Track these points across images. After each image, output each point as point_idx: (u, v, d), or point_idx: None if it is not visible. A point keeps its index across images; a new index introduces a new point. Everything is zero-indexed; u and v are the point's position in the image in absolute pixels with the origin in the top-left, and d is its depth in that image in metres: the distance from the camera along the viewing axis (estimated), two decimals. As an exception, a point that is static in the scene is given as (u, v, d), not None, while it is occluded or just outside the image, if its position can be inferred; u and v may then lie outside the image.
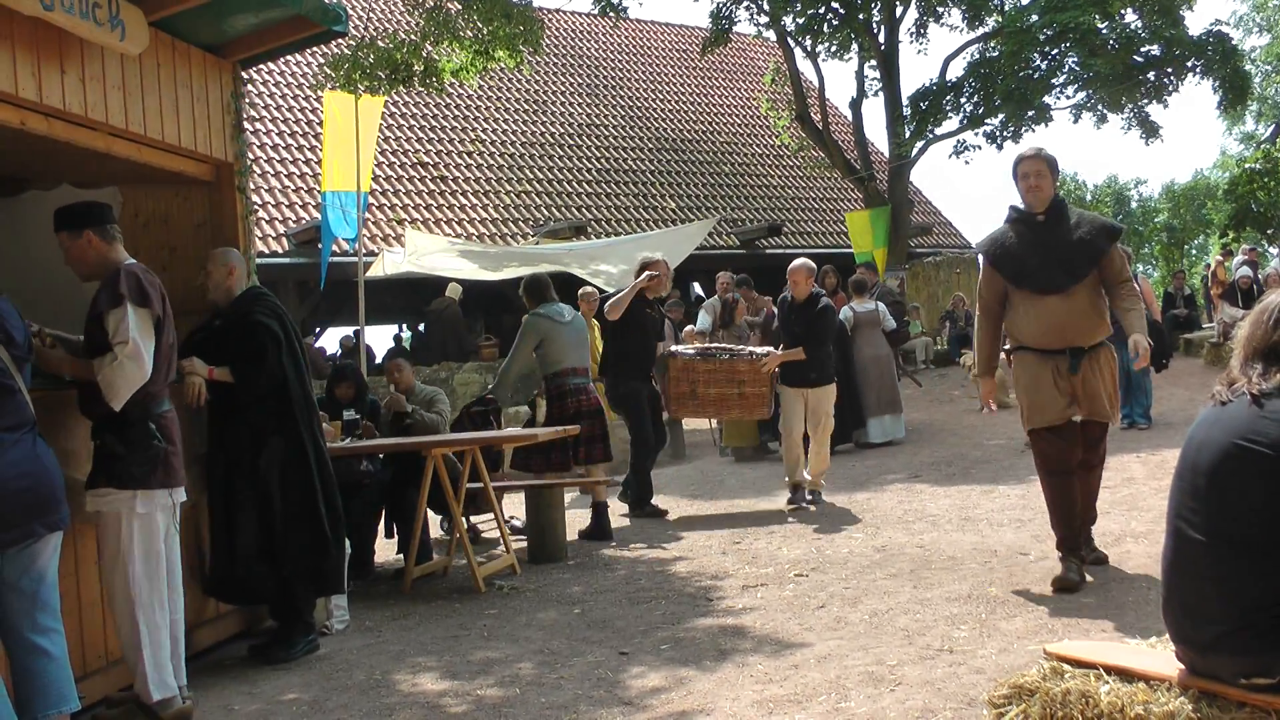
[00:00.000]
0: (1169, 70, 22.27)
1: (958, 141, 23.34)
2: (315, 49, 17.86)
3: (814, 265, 10.25)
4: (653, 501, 10.01)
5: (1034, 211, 6.30)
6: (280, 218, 19.77)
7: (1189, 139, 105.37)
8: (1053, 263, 6.17)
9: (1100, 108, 23.04)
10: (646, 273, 9.72)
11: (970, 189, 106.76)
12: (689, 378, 9.89)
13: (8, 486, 4.01)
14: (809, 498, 9.64)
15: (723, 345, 10.84)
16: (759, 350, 10.37)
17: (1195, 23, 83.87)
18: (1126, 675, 3.44)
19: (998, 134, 22.76)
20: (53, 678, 4.21)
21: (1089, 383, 6.22)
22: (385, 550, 9.18)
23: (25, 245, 6.45)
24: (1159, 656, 3.55)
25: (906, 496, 9.61)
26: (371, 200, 20.85)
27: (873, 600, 6.24)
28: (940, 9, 23.45)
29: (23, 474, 4.08)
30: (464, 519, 8.25)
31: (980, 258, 6.54)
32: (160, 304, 4.97)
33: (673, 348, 10.11)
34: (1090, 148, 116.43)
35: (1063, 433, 6.23)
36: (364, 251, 15.29)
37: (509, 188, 23.63)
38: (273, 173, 20.85)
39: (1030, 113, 22.08)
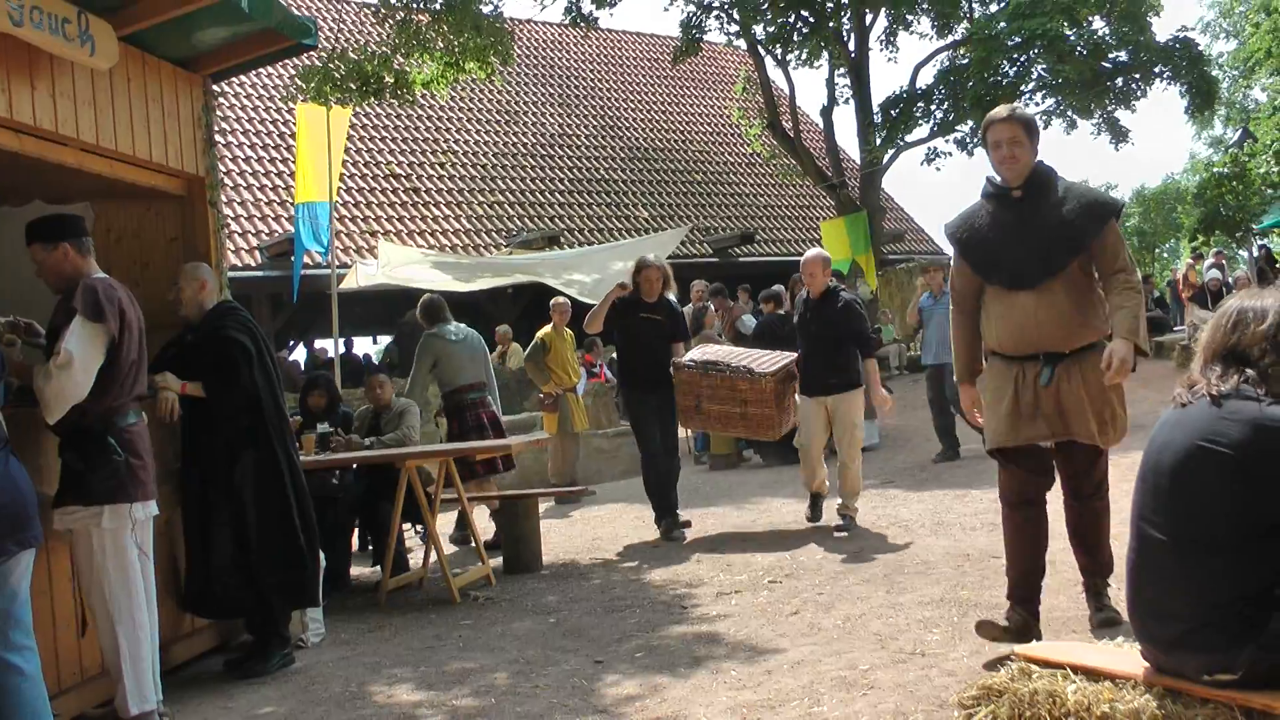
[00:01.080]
0: (1136, 76, 22.48)
1: (929, 148, 23.49)
2: (286, 61, 17.82)
3: (829, 255, 9.47)
4: (677, 517, 9.20)
5: (1009, 186, 5.16)
6: (253, 230, 19.73)
7: (1159, 143, 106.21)
8: (1027, 251, 5.05)
9: (1070, 113, 23.23)
10: (616, 285, 9.42)
11: (942, 195, 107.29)
12: (693, 391, 9.08)
13: (-19, 504, 4.00)
14: (841, 523, 8.58)
15: (721, 361, 9.18)
16: (762, 366, 9.00)
17: (1162, 29, 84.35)
18: (1093, 674, 3.50)
19: (968, 140, 22.93)
20: (27, 695, 4.20)
21: (1066, 396, 5.05)
22: (360, 562, 9.19)
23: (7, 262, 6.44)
24: (1125, 656, 3.61)
25: (880, 502, 9.67)
26: (344, 212, 20.85)
27: (846, 606, 6.29)
28: (910, 17, 23.59)
29: (-4, 491, 4.07)
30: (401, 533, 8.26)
31: (950, 242, 5.43)
32: (119, 320, 4.94)
33: (680, 357, 9.18)
34: (1060, 153, 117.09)
35: (1025, 457, 5.18)
36: (337, 264, 15.28)
37: (482, 199, 23.65)
38: (245, 185, 20.81)
39: (1000, 119, 22.23)
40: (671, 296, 9.40)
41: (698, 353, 9.45)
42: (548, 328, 12.59)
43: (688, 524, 9.27)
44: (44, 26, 5.11)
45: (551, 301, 12.75)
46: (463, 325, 9.95)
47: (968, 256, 5.28)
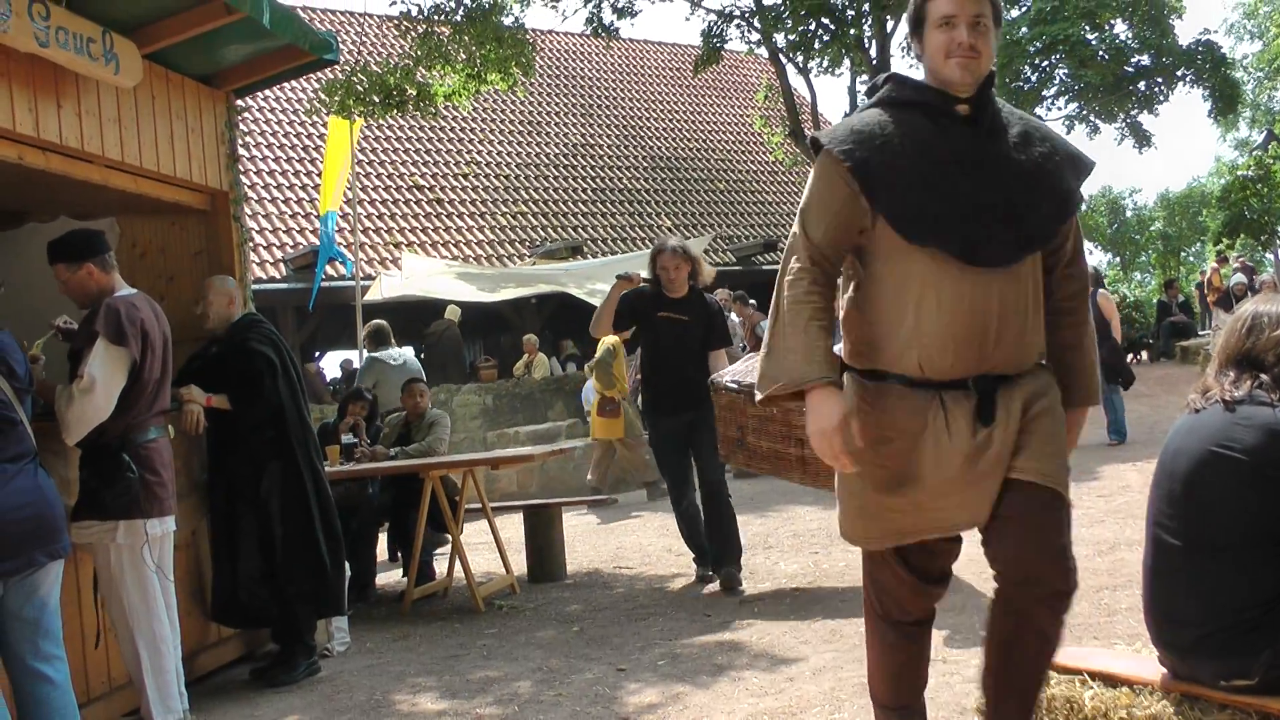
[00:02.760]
0: (1159, 79, 22.42)
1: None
2: (309, 75, 17.97)
3: None
4: (719, 570, 7.49)
5: (955, 95, 3.25)
6: (277, 243, 19.86)
7: (1184, 147, 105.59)
8: (993, 204, 3.17)
9: (1092, 118, 23.18)
10: (619, 277, 7.59)
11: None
12: (735, 420, 7.01)
13: (11, 516, 4.06)
14: None
15: None
16: None
17: (1184, 32, 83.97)
18: (1110, 680, 3.51)
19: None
20: (57, 704, 4.27)
21: (1005, 452, 3.20)
22: (389, 572, 9.24)
23: (25, 277, 6.52)
24: (1142, 661, 3.62)
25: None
26: (368, 224, 20.97)
27: (868, 612, 6.29)
28: (931, 23, 23.55)
29: (25, 503, 4.13)
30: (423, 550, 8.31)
31: (822, 154, 3.27)
32: (140, 341, 4.97)
33: (720, 368, 7.29)
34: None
35: (928, 556, 3.55)
36: (361, 276, 15.41)
37: (505, 209, 23.74)
38: (269, 198, 20.95)
39: (1022, 124, 22.20)
40: (704, 290, 7.66)
41: (742, 369, 7.23)
42: (615, 335, 12.66)
43: (737, 585, 7.36)
44: (69, 46, 5.19)
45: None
46: (406, 350, 10.38)
47: (873, 190, 3.18)
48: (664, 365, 7.53)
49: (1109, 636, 5.21)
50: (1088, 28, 20.76)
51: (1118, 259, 56.73)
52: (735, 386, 6.96)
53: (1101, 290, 12.30)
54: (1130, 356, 19.76)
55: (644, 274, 7.63)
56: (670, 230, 24.69)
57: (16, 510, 4.09)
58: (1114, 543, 7.31)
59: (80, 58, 5.28)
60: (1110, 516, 8.17)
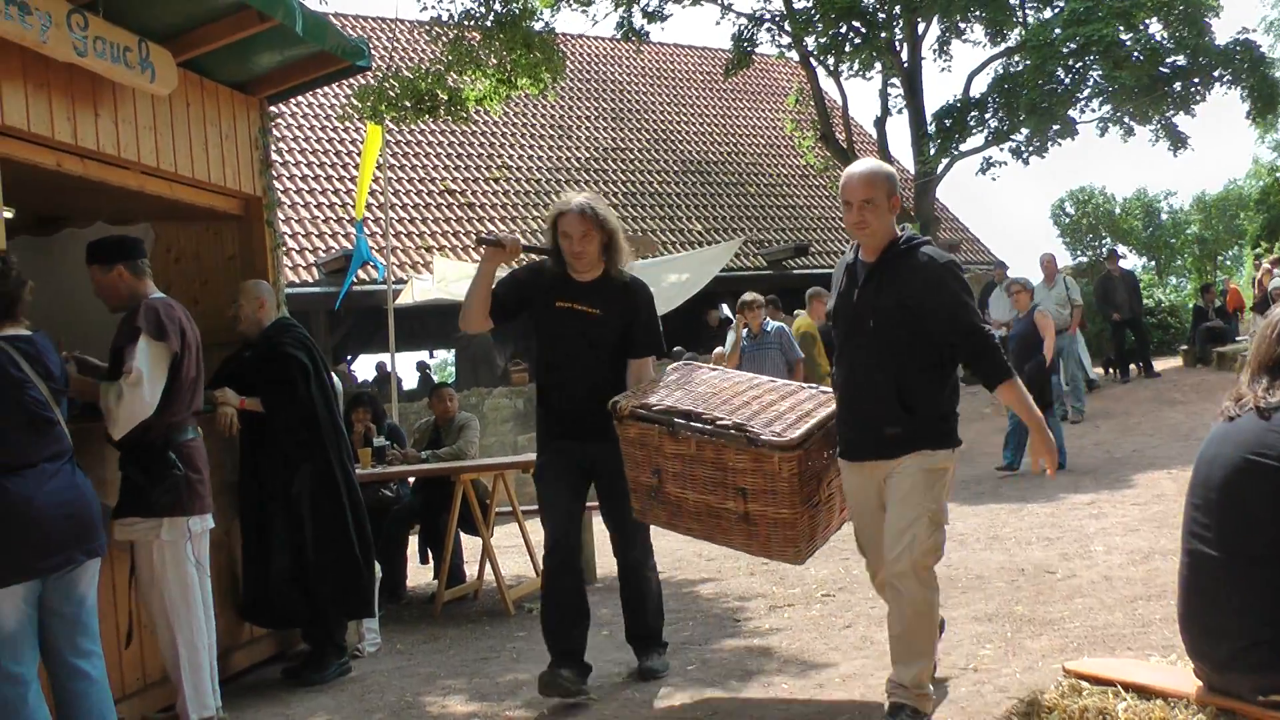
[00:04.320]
0: (1195, 80, 22.18)
1: (984, 158, 23.33)
2: (342, 81, 18.06)
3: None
4: (640, 658, 5.77)
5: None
6: (310, 248, 19.95)
7: (1221, 148, 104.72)
8: None
9: (1127, 120, 22.98)
10: (490, 244, 5.41)
11: (998, 204, 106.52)
12: (649, 460, 5.05)
13: (49, 514, 4.13)
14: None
15: (702, 412, 4.94)
16: (780, 423, 4.81)
17: (1221, 31, 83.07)
18: (1144, 692, 3.47)
19: (1023, 149, 22.73)
20: (94, 700, 4.34)
21: None
22: (421, 575, 9.27)
23: (62, 281, 6.59)
24: (1177, 673, 3.59)
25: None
26: (400, 228, 21.03)
27: (899, 619, 6.27)
28: (962, 25, 23.42)
29: (63, 502, 4.20)
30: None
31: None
32: (179, 338, 5.06)
33: (618, 397, 5.21)
34: (1118, 160, 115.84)
35: None
36: (393, 279, 15.45)
37: (536, 213, 23.74)
38: (302, 203, 21.04)
39: (1055, 127, 22.04)
40: (630, 270, 5.60)
41: (672, 385, 5.25)
42: (807, 317, 12.66)
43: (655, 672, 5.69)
44: (106, 55, 5.26)
45: (810, 291, 13.02)
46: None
47: None
48: (562, 375, 5.50)
49: (1143, 647, 5.17)
50: (1122, 28, 20.55)
51: (1153, 263, 56.25)
52: (652, 413, 4.98)
53: (1040, 308, 12.19)
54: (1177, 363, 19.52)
55: (536, 245, 5.77)
56: (702, 235, 24.65)
57: (55, 509, 4.16)
58: (1148, 552, 7.26)
59: (117, 66, 5.35)
60: (1145, 525, 8.12)
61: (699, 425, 4.84)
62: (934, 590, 4.47)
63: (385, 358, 20.47)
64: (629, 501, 5.28)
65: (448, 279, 17.69)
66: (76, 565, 4.26)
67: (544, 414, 5.60)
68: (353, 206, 17.73)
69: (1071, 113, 22.17)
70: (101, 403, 4.88)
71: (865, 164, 4.64)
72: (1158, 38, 21.88)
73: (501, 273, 5.60)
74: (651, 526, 5.48)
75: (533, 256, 5.67)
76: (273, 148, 7.32)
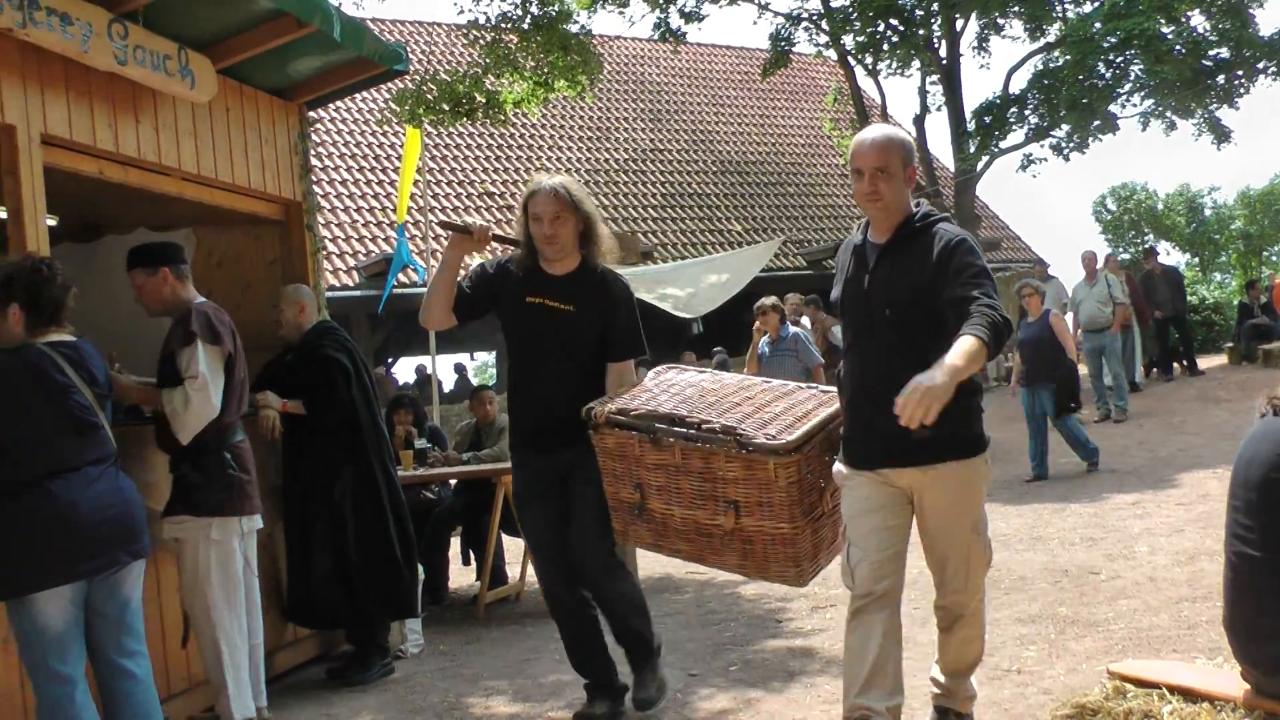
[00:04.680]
0: (1239, 73, 21.94)
1: (1024, 154, 23.17)
2: (380, 85, 18.19)
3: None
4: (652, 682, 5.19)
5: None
6: (350, 251, 20.07)
7: (1266, 141, 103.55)
8: None
9: (1169, 114, 22.76)
10: (451, 230, 5.08)
11: (1039, 201, 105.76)
12: (630, 473, 4.51)
13: (94, 517, 4.18)
14: None
15: (687, 415, 4.35)
16: (775, 425, 4.23)
17: (1266, 22, 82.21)
18: (1190, 695, 3.44)
19: (1064, 145, 22.57)
20: (139, 699, 4.38)
21: None
22: (463, 576, 9.31)
23: (104, 289, 6.65)
24: (1224, 676, 3.55)
25: (977, 515, 9.54)
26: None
27: (941, 620, 6.24)
28: (1001, 21, 23.28)
29: (107, 505, 4.24)
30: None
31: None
32: (230, 341, 5.12)
33: (594, 403, 4.64)
34: (1161, 155, 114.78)
35: None
36: (433, 282, 15.50)
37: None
38: (341, 207, 21.17)
39: (1096, 122, 21.87)
40: (607, 269, 5.03)
41: (654, 388, 4.67)
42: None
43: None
44: (146, 63, 5.32)
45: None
46: None
47: None
48: (532, 380, 4.96)
49: (1189, 650, 5.12)
50: (1163, 21, 20.35)
51: (1196, 259, 55.69)
52: (631, 416, 4.42)
53: (1054, 311, 12.04)
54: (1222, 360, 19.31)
55: (504, 234, 5.17)
56: (741, 235, 24.60)
57: (100, 511, 4.21)
58: (1194, 553, 7.18)
59: (157, 74, 5.41)
60: (1190, 525, 8.04)
61: (683, 430, 4.25)
62: (984, 598, 4.20)
63: (425, 360, 20.58)
64: (597, 514, 4.73)
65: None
66: (121, 567, 4.31)
67: (514, 423, 5.09)
68: (392, 210, 17.83)
69: (1112, 108, 21.98)
70: (166, 409, 4.93)
71: (879, 128, 4.13)
72: (1200, 30, 21.66)
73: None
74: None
75: (510, 249, 5.11)
76: (312, 153, 7.36)
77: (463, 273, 5.02)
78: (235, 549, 5.15)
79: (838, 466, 4.13)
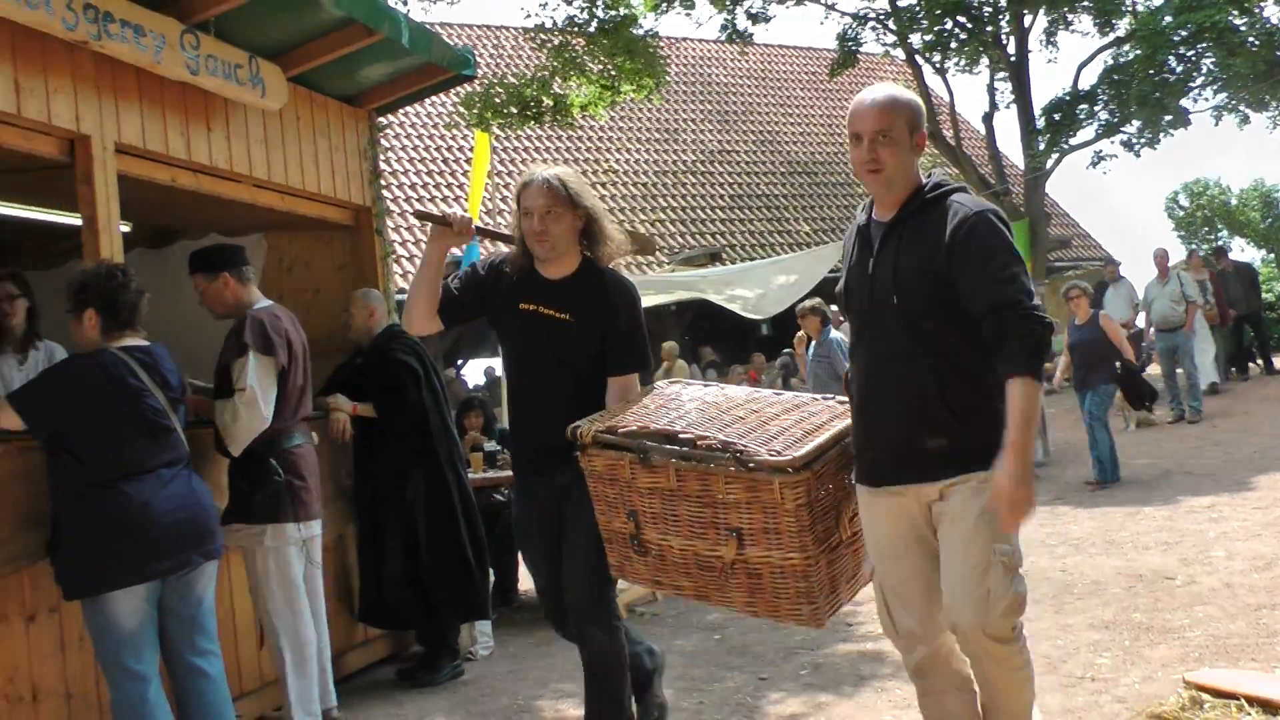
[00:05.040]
0: (1314, 64, 21.49)
1: (1094, 151, 22.87)
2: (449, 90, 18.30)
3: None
4: None
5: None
6: (419, 255, 20.19)
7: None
8: None
9: (1242, 107, 22.35)
10: (439, 223, 4.45)
11: (1110, 198, 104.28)
12: (623, 498, 3.98)
13: (167, 518, 4.25)
14: None
15: (682, 432, 3.78)
16: (782, 440, 3.65)
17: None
18: (1269, 707, 3.38)
19: (1134, 141, 22.24)
20: (211, 698, 4.45)
21: None
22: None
23: (176, 294, 6.75)
24: (1304, 683, 3.48)
25: (1048, 519, 9.44)
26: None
27: (1013, 625, 6.17)
28: (1070, 16, 22.99)
29: (180, 506, 4.31)
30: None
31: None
32: (286, 349, 5.12)
33: (581, 421, 4.03)
34: (1234, 150, 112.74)
35: None
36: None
37: (643, 217, 23.82)
38: (411, 211, 21.32)
39: (1168, 117, 21.53)
40: (612, 269, 4.49)
41: (650, 405, 4.11)
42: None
43: None
44: (218, 73, 5.41)
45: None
46: None
47: None
48: (528, 396, 4.48)
49: (1268, 659, 5.00)
50: (1235, 13, 19.97)
51: (1271, 255, 54.65)
52: (613, 437, 3.90)
53: (1103, 312, 11.74)
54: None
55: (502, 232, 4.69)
56: (810, 236, 24.50)
57: (172, 513, 4.28)
58: (1271, 558, 7.04)
59: (228, 83, 5.49)
60: (1267, 530, 7.88)
61: (676, 448, 3.73)
62: (1024, 650, 3.44)
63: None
64: (588, 540, 4.18)
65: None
66: (193, 568, 4.37)
67: (512, 444, 4.69)
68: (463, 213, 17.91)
69: (1184, 102, 21.62)
70: (218, 420, 4.99)
71: (883, 87, 3.60)
72: (1273, 21, 21.23)
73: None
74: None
75: (499, 245, 4.62)
76: (381, 158, 7.43)
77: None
78: (292, 554, 5.18)
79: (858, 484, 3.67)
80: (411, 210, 4.08)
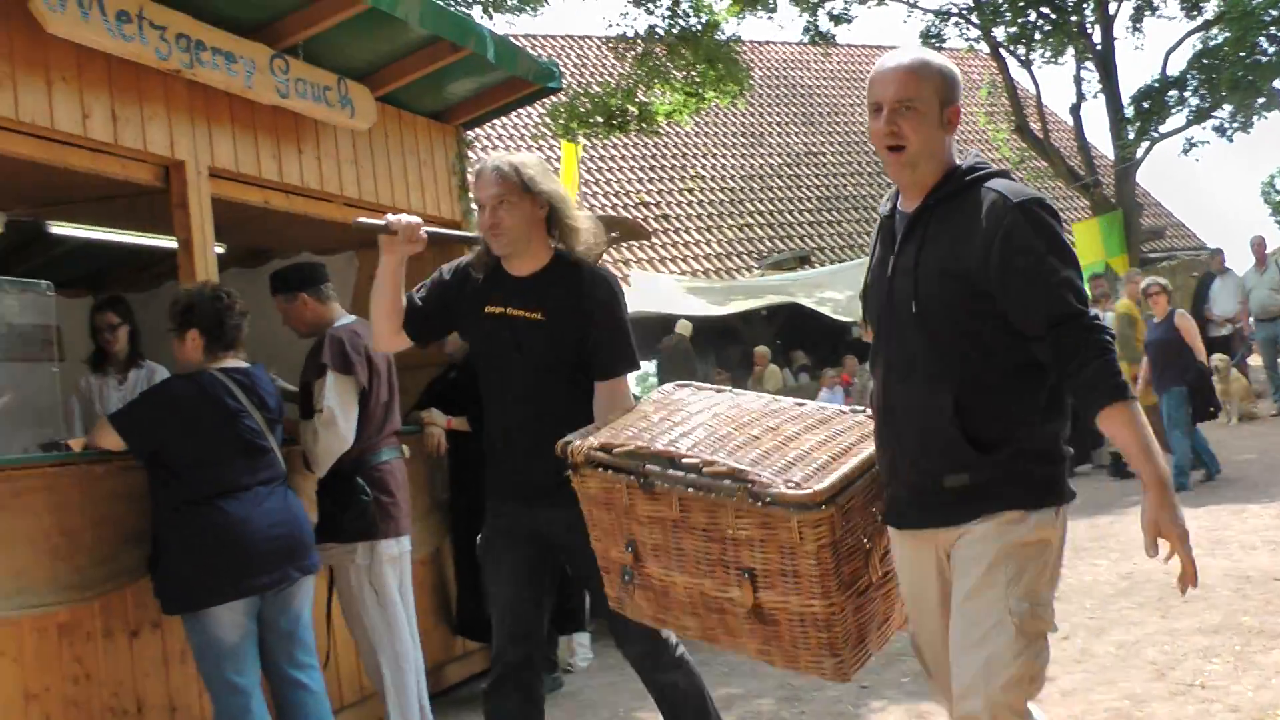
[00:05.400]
0: None
1: (1185, 138, 22.39)
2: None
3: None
4: None
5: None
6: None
7: None
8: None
9: (1339, 90, 21.76)
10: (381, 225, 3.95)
11: (1202, 185, 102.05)
12: (619, 524, 3.42)
13: (265, 534, 4.32)
14: None
15: (686, 454, 3.18)
16: (802, 467, 3.04)
17: None
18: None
19: (1227, 126, 21.74)
20: (312, 710, 4.51)
21: None
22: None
23: (270, 313, 6.87)
24: None
25: (1153, 518, 9.21)
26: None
27: (1119, 631, 6.04)
28: (1155, 1, 22.55)
29: (276, 523, 4.38)
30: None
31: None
32: (366, 367, 5.09)
33: (571, 436, 3.46)
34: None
35: None
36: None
37: (731, 221, 23.80)
38: (352, 223, 21.44)
39: (1261, 100, 21.01)
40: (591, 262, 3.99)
41: (651, 414, 3.55)
42: (1126, 299, 12.17)
43: None
44: (308, 95, 5.49)
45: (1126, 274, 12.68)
46: None
47: None
48: (501, 411, 4.04)
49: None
50: (1328, -11, 19.46)
51: (1379, 241, 53.11)
52: (607, 457, 3.34)
53: (1180, 310, 11.25)
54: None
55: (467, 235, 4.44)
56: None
57: (269, 529, 4.35)
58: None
59: (318, 105, 5.57)
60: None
61: (680, 474, 3.16)
62: None
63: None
64: (594, 571, 3.65)
65: (646, 291, 17.87)
66: (290, 583, 4.43)
67: (489, 470, 4.15)
68: (550, 224, 18.03)
69: (1277, 83, 21.07)
70: (301, 440, 5.02)
71: (909, 50, 3.04)
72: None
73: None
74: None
75: (403, 238, 3.91)
76: (469, 171, 7.49)
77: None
78: (386, 571, 5.16)
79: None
80: (352, 223, 3.82)
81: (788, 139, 27.24)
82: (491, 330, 3.92)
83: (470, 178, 5.27)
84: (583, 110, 15.68)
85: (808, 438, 3.20)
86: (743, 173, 25.47)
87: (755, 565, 3.05)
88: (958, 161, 2.98)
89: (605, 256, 4.58)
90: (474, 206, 3.89)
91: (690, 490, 3.11)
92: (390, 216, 3.91)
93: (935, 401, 2.79)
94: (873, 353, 3.09)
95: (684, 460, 3.14)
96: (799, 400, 3.57)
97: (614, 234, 5.93)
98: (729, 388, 3.73)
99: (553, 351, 3.86)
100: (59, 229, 6.75)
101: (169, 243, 5.50)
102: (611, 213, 22.80)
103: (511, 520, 3.99)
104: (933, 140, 2.91)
